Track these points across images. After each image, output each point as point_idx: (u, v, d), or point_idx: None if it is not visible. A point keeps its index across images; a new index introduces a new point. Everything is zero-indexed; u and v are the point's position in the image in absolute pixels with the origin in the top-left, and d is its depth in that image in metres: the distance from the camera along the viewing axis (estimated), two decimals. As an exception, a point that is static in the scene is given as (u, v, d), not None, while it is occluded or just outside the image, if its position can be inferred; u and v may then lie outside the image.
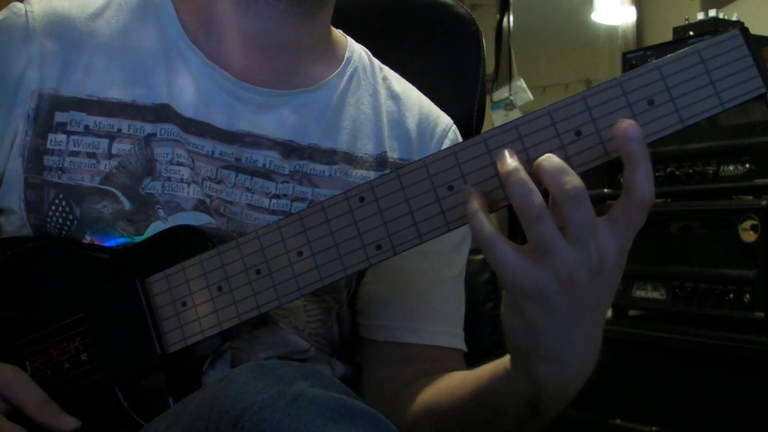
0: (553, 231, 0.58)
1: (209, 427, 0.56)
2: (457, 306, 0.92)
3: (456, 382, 0.78)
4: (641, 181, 0.58)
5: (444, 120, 0.93)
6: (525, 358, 0.64)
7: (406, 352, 0.87)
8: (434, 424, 0.79)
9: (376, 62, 0.94)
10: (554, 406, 0.68)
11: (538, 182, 0.59)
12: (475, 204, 0.60)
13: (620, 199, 0.59)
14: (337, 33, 0.93)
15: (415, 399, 0.82)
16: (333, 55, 0.90)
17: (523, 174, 0.58)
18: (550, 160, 0.59)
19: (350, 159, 0.86)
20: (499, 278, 0.61)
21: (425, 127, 0.90)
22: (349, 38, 0.94)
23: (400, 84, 0.94)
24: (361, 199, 0.65)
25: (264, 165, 0.83)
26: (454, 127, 0.94)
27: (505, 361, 0.69)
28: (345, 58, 0.90)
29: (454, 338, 0.89)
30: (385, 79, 0.93)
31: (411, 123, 0.90)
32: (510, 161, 0.59)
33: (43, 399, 0.71)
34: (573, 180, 0.57)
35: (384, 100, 0.91)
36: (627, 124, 0.58)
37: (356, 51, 0.92)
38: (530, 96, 2.57)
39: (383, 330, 0.88)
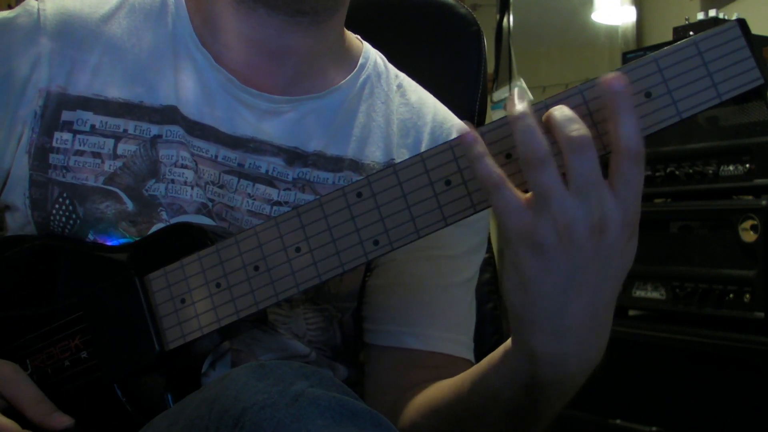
0: (555, 178, 0.57)
1: (209, 427, 0.56)
2: (466, 314, 0.90)
3: (457, 377, 0.77)
4: (626, 131, 0.57)
5: (459, 128, 0.91)
6: (523, 330, 0.63)
7: (411, 358, 0.85)
8: (431, 419, 0.78)
9: (392, 69, 0.93)
10: (550, 392, 0.66)
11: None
12: (480, 147, 0.59)
13: (611, 157, 0.58)
14: (352, 38, 0.92)
15: (417, 399, 0.81)
16: (346, 60, 0.89)
17: (531, 120, 0.58)
18: (561, 109, 0.58)
19: (357, 166, 0.85)
20: (500, 225, 0.59)
21: (438, 135, 0.89)
22: (365, 43, 0.93)
23: (416, 92, 0.92)
24: (359, 194, 0.65)
25: (267, 171, 0.82)
26: None
27: (504, 344, 0.68)
28: (359, 65, 0.89)
29: (461, 347, 0.87)
30: (399, 86, 0.91)
31: (424, 131, 0.89)
32: (519, 105, 0.59)
33: (38, 397, 0.71)
34: (580, 129, 0.57)
35: (396, 108, 0.89)
36: (612, 76, 0.58)
37: (371, 57, 0.91)
38: (530, 96, 2.57)
39: (388, 335, 0.87)
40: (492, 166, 0.59)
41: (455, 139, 0.63)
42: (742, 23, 0.60)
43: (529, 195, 0.58)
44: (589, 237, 0.57)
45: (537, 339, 0.62)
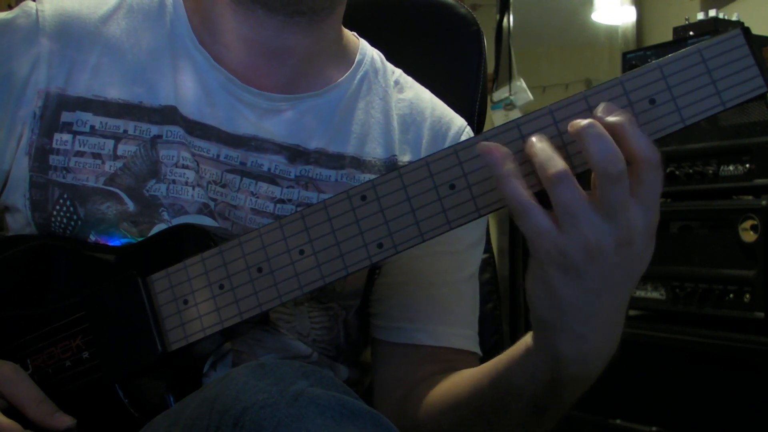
0: (578, 194, 0.57)
1: (210, 427, 0.56)
2: (471, 308, 0.91)
3: (473, 372, 0.78)
4: (641, 142, 0.58)
5: (458, 122, 0.92)
6: (548, 333, 0.64)
7: (421, 354, 0.87)
8: (450, 414, 0.79)
9: (389, 65, 0.93)
10: (572, 387, 0.68)
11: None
12: (510, 165, 0.59)
13: (630, 169, 0.58)
14: (350, 35, 0.93)
15: (430, 394, 0.82)
16: (344, 57, 0.90)
17: (546, 143, 0.59)
18: (593, 126, 0.58)
19: (358, 163, 0.85)
20: (530, 245, 0.60)
21: (438, 130, 0.90)
22: (362, 40, 0.93)
23: (413, 88, 0.93)
24: (363, 197, 0.65)
25: (269, 170, 0.82)
26: (468, 129, 0.93)
27: (524, 340, 0.69)
28: (356, 61, 0.90)
29: (469, 341, 0.89)
30: (397, 82, 0.92)
31: (423, 127, 0.90)
32: (537, 143, 0.60)
33: (40, 397, 0.71)
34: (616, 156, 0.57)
35: (395, 104, 0.90)
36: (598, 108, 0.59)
37: (368, 54, 0.92)
38: (530, 96, 2.57)
39: (398, 332, 0.88)
40: (521, 188, 0.59)
41: (462, 142, 0.63)
42: (745, 31, 0.60)
43: (554, 213, 0.59)
44: (618, 250, 0.58)
45: (562, 342, 0.63)
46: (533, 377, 0.68)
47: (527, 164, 0.60)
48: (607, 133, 0.57)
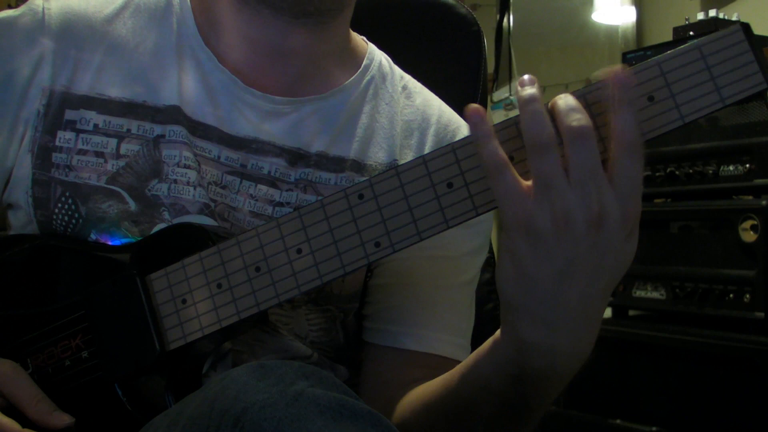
0: (557, 166, 0.57)
1: (210, 427, 0.56)
2: (464, 316, 0.90)
3: (448, 372, 0.77)
4: (623, 122, 0.57)
5: (464, 130, 0.91)
6: (513, 316, 0.63)
7: (407, 358, 0.86)
8: (422, 416, 0.78)
9: (397, 70, 0.93)
10: (539, 385, 0.66)
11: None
12: (486, 128, 0.59)
13: (609, 149, 0.59)
14: (358, 38, 0.92)
15: (407, 397, 0.81)
16: (351, 61, 0.89)
17: (539, 105, 0.58)
18: (565, 98, 0.59)
19: (359, 167, 0.85)
20: (500, 209, 0.60)
21: (444, 136, 0.89)
22: (370, 44, 0.93)
23: (420, 94, 0.92)
24: (360, 196, 0.65)
25: (269, 172, 0.82)
26: None
27: (494, 335, 0.68)
28: (363, 65, 0.89)
29: (458, 349, 0.87)
30: (405, 87, 0.92)
31: (428, 133, 0.89)
32: (528, 89, 0.59)
33: (38, 395, 0.71)
34: (582, 119, 0.57)
35: (401, 109, 0.89)
36: (619, 69, 0.59)
37: (376, 58, 0.91)
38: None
39: (385, 334, 0.87)
40: (497, 149, 0.59)
41: (460, 140, 0.63)
42: (745, 27, 0.60)
43: (530, 183, 0.58)
44: (587, 229, 0.57)
45: (527, 327, 0.62)
46: (500, 369, 0.67)
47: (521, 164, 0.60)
48: (540, 104, 0.58)
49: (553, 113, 0.59)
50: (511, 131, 0.61)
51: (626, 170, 0.58)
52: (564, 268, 0.59)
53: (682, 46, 0.60)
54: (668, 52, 0.61)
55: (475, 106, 0.60)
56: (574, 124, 0.57)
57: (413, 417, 0.79)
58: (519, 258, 0.59)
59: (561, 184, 0.57)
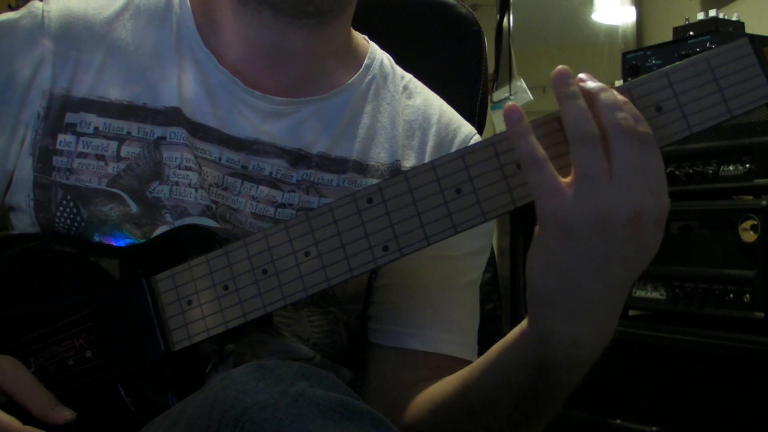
0: (602, 160, 0.57)
1: (210, 427, 0.56)
2: (469, 315, 0.90)
3: (465, 369, 0.77)
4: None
5: (465, 130, 0.92)
6: (543, 310, 0.63)
7: (412, 358, 0.86)
8: (439, 414, 0.78)
9: (399, 70, 0.93)
10: (562, 374, 0.67)
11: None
12: (525, 123, 0.60)
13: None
14: (359, 38, 0.92)
15: (421, 396, 0.81)
16: (352, 61, 0.89)
17: (583, 102, 0.59)
18: (609, 93, 0.59)
19: (361, 168, 0.85)
20: (537, 204, 0.60)
21: (444, 136, 0.89)
22: (372, 44, 0.93)
23: (422, 93, 0.92)
24: (369, 200, 0.65)
25: (271, 174, 0.82)
26: (476, 136, 0.92)
27: (516, 328, 0.69)
28: (364, 65, 0.89)
29: (464, 348, 0.87)
30: (406, 87, 0.91)
31: (429, 133, 0.89)
32: (572, 86, 0.60)
33: (39, 391, 0.71)
34: (627, 115, 0.58)
35: (402, 109, 0.89)
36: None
37: (377, 58, 0.91)
38: (530, 96, 2.56)
39: (390, 335, 0.87)
40: (535, 144, 0.59)
41: (469, 146, 0.64)
42: (753, 39, 0.61)
43: (568, 179, 0.59)
44: (625, 227, 0.58)
45: (553, 319, 0.63)
46: (523, 361, 0.67)
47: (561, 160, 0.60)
48: (583, 100, 0.59)
49: (595, 108, 0.59)
50: (545, 128, 0.62)
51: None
52: (597, 263, 0.59)
53: (690, 58, 0.61)
54: (676, 63, 0.61)
55: (512, 104, 0.61)
56: (621, 120, 0.57)
57: (430, 416, 0.79)
58: (553, 252, 0.60)
59: (604, 178, 0.57)
